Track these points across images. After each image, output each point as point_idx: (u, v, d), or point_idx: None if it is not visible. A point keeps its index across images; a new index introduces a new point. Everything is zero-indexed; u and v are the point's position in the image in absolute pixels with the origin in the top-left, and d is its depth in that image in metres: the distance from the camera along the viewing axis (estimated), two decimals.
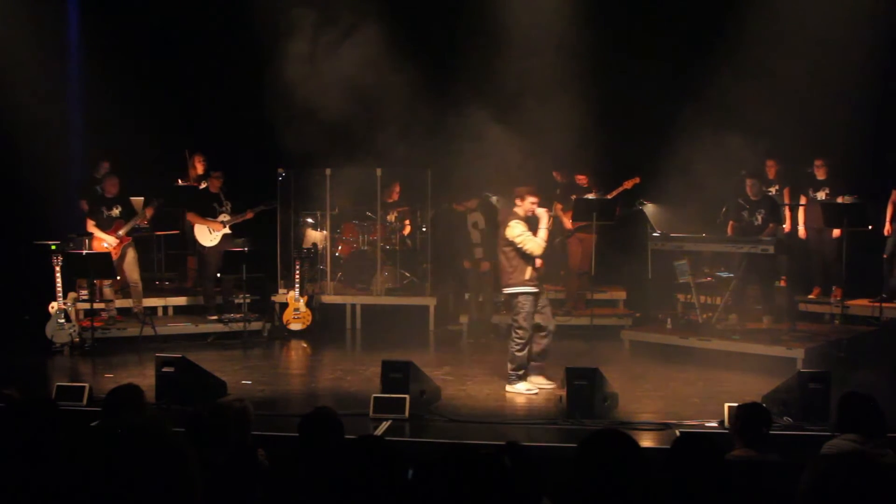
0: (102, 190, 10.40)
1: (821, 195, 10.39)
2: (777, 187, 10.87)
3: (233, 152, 11.75)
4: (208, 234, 10.65)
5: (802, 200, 10.62)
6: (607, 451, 2.89)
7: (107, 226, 10.22)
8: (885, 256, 10.13)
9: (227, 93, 11.92)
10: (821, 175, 10.45)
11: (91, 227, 10.22)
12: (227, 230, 10.68)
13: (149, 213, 10.69)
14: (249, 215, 10.82)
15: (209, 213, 10.69)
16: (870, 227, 9.86)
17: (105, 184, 10.38)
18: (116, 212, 10.29)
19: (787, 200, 10.71)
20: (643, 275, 10.54)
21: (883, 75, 10.10)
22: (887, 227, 10.02)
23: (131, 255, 10.40)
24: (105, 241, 10.15)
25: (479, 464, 2.53)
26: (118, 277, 10.24)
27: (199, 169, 11.49)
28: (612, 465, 2.83)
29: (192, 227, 10.91)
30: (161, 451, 2.23)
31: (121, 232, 10.22)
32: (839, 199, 10.04)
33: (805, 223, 10.64)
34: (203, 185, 11.15)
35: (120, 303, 10.58)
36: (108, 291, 10.39)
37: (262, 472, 4.19)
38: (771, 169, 10.91)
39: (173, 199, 11.23)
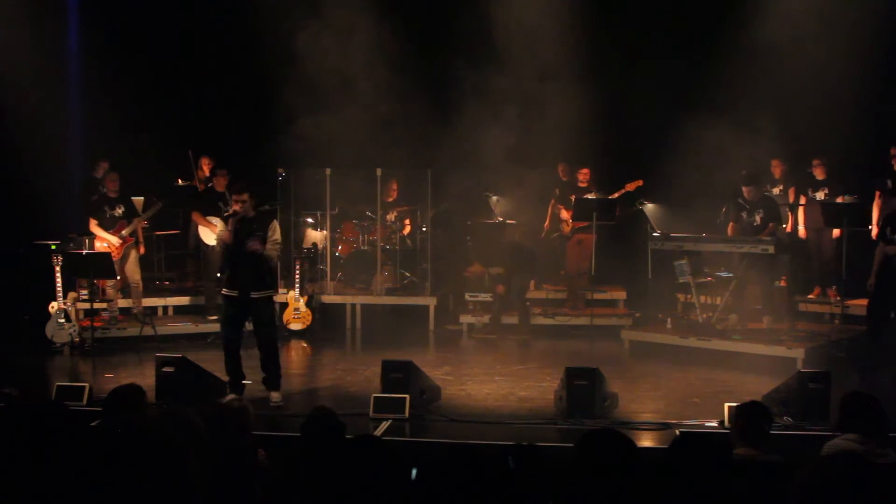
0: (105, 189, 10.35)
1: (820, 195, 10.37)
2: (781, 187, 10.84)
3: (233, 152, 11.73)
4: (211, 234, 10.61)
5: (802, 200, 10.60)
6: (602, 450, 2.89)
7: (110, 226, 10.17)
8: None
9: (227, 92, 11.91)
10: (820, 175, 10.41)
11: (93, 226, 10.14)
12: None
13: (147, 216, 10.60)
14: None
15: (213, 212, 10.63)
16: (869, 228, 9.85)
17: (105, 181, 10.33)
18: (119, 211, 10.24)
19: (791, 200, 10.69)
20: (643, 275, 10.54)
21: (884, 74, 10.10)
22: (874, 230, 9.87)
23: (133, 255, 10.37)
24: (107, 242, 10.10)
25: (481, 465, 2.53)
26: (118, 278, 10.21)
27: (206, 171, 11.48)
28: (608, 464, 2.83)
29: (195, 226, 10.88)
30: (161, 451, 2.23)
31: (124, 232, 10.19)
32: (839, 199, 10.01)
33: (805, 223, 10.61)
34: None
35: (120, 303, 10.55)
36: (111, 291, 10.37)
37: (262, 472, 4.19)
38: (776, 168, 10.86)
39: (173, 198, 11.22)
